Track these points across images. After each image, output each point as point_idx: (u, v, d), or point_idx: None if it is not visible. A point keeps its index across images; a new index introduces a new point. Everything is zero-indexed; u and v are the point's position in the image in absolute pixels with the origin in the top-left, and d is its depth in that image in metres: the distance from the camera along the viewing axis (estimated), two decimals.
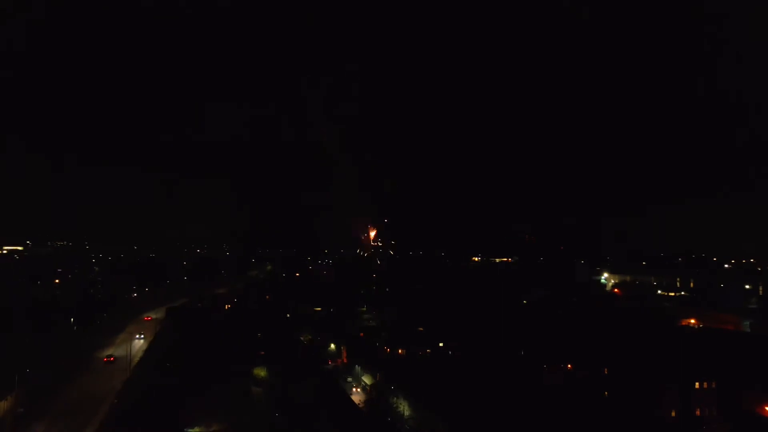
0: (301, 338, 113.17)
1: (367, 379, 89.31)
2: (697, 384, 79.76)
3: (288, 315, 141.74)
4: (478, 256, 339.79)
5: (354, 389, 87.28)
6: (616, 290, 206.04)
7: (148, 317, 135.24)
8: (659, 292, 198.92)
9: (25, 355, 75.61)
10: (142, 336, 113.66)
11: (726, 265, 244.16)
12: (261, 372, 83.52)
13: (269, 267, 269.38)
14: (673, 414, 77.89)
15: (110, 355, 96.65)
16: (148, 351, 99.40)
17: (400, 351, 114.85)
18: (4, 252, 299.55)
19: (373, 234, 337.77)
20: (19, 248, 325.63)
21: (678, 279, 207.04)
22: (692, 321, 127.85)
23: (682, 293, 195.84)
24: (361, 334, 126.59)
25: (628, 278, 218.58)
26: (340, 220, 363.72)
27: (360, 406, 76.78)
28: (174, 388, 66.21)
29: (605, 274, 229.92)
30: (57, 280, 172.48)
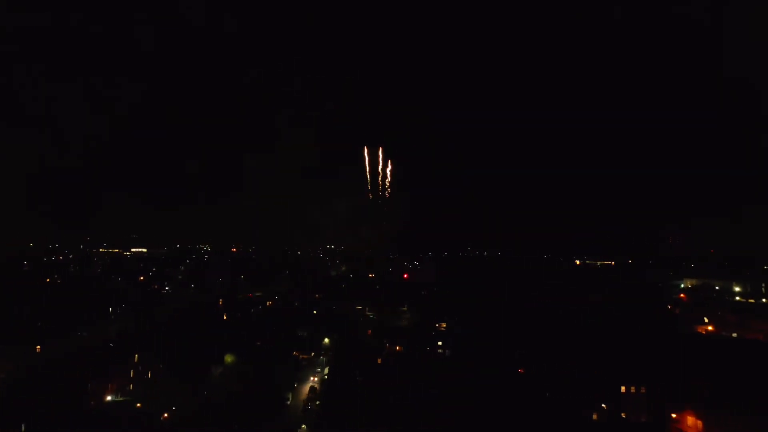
0: (300, 333, 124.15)
1: (326, 370, 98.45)
2: (623, 388, 78.80)
3: (315, 312, 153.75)
4: (581, 259, 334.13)
5: (312, 378, 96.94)
6: (681, 295, 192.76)
7: None
8: (737, 298, 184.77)
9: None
10: None
11: None
12: (229, 358, 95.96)
13: (344, 268, 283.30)
14: (595, 417, 77.77)
15: None
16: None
17: (398, 348, 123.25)
18: (127, 254, 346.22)
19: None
20: (143, 250, 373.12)
21: (763, 285, 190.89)
22: (710, 328, 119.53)
23: (763, 300, 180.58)
24: (369, 331, 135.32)
25: (702, 282, 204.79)
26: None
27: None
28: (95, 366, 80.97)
29: (683, 279, 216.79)
30: (141, 278, 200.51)
